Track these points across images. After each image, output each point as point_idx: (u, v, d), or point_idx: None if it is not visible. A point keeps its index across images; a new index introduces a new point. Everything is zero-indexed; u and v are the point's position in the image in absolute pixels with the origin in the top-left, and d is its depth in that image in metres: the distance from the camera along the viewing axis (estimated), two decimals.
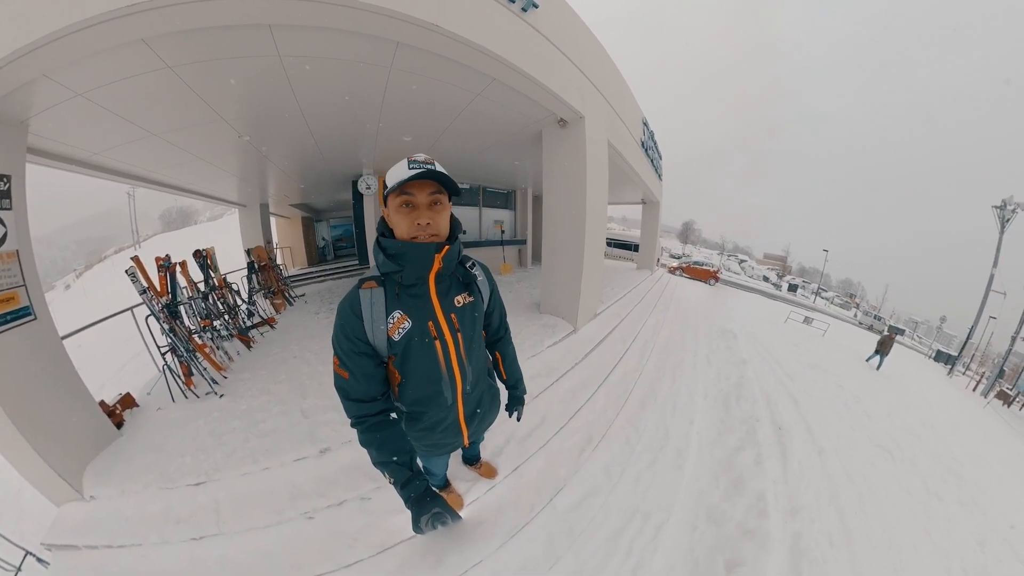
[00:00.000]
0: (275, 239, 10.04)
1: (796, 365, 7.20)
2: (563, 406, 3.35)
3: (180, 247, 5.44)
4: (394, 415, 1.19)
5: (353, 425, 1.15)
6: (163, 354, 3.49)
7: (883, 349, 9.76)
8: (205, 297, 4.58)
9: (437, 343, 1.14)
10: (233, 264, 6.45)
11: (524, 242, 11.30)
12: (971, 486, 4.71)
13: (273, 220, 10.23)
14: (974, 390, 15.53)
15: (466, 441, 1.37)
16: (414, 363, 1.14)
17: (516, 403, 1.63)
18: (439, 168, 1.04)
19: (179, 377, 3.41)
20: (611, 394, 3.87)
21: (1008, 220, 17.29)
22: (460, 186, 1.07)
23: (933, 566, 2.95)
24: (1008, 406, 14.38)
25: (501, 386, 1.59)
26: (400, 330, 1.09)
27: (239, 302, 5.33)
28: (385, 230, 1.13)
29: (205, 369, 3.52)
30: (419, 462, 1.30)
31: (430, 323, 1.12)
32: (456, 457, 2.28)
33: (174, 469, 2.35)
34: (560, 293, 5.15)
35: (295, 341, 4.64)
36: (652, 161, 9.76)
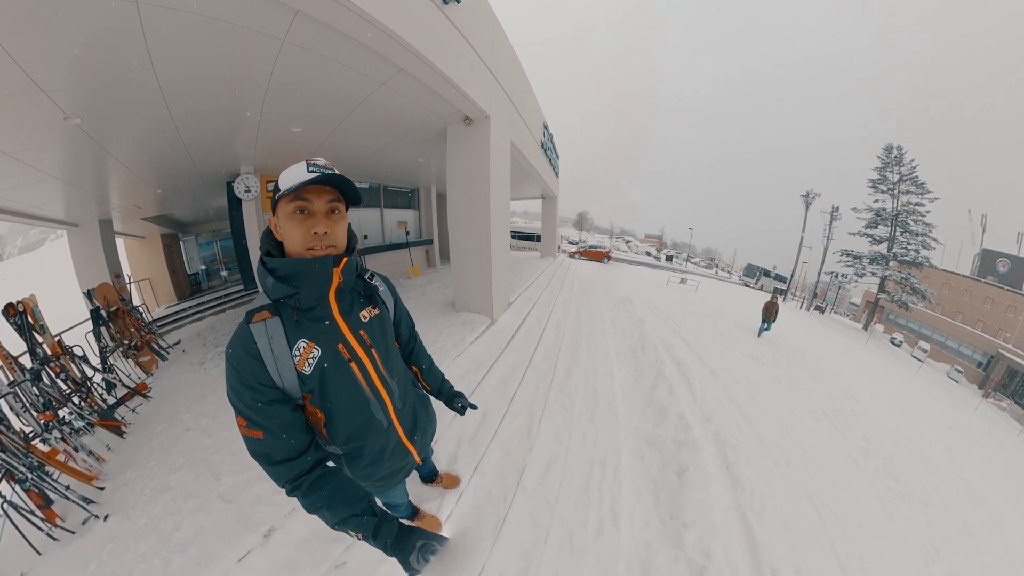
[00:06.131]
0: (127, 270, 7.46)
1: (680, 314, 8.73)
2: (499, 395, 3.48)
3: None
4: (331, 462, 1.05)
5: (290, 493, 0.96)
6: None
7: (768, 316, 8.73)
8: (36, 376, 3.22)
9: (353, 365, 1.02)
10: (69, 316, 4.69)
11: (431, 242, 10.99)
12: (813, 366, 7.05)
13: (121, 243, 7.52)
14: (800, 308, 24.06)
15: (417, 459, 1.28)
16: (336, 393, 1.01)
17: (454, 399, 1.51)
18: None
19: (32, 513, 2.31)
20: (539, 372, 4.14)
21: (810, 204, 28.57)
22: (359, 185, 1.00)
23: (805, 419, 4.40)
24: (822, 313, 24.39)
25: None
26: (310, 361, 0.95)
27: (90, 372, 3.93)
28: (271, 246, 0.98)
29: (68, 487, 2.49)
30: (378, 502, 1.17)
31: (340, 346, 1.00)
32: (416, 480, 2.19)
33: None
34: (473, 289, 5.23)
35: (183, 408, 3.73)
36: (551, 160, 10.49)
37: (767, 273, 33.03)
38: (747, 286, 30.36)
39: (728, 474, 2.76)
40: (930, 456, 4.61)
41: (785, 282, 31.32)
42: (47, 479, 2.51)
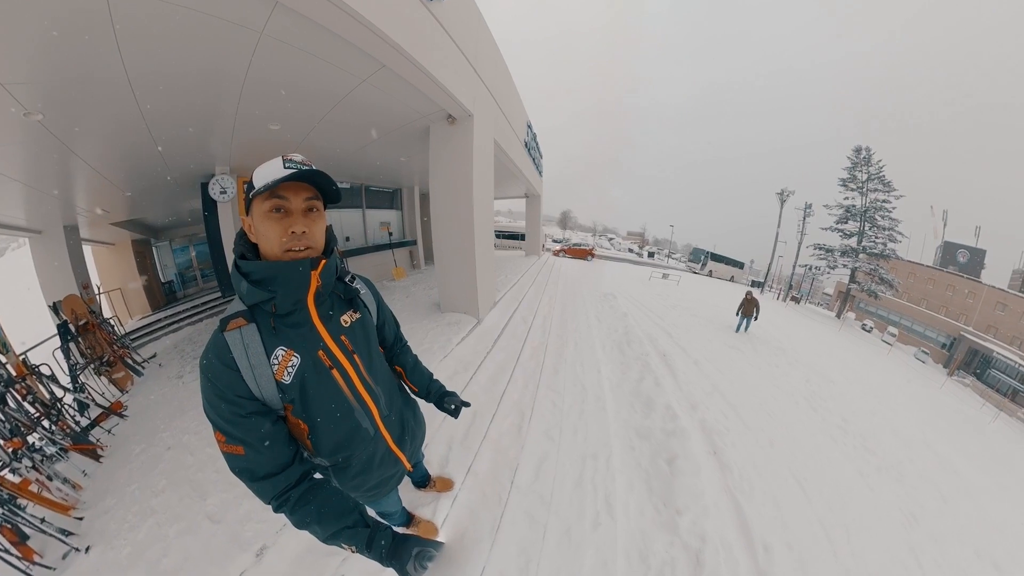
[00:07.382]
0: (96, 280, 6.96)
1: (663, 308, 8.93)
2: (488, 395, 3.46)
3: None
4: (318, 474, 1.01)
5: (277, 509, 0.92)
6: None
7: (746, 312, 8.31)
8: (0, 400, 3.05)
9: (335, 372, 0.98)
10: (34, 332, 4.43)
11: (414, 242, 10.83)
12: (791, 354, 7.30)
13: (88, 250, 7.05)
14: (777, 299, 25.25)
15: (407, 466, 1.24)
16: (318, 402, 0.97)
17: (444, 399, 1.42)
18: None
19: (7, 552, 2.17)
20: (527, 370, 4.13)
21: (784, 201, 29.95)
22: (340, 185, 0.92)
23: (785, 402, 4.61)
24: (798, 303, 26.13)
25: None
26: (289, 369, 0.91)
27: (59, 392, 3.70)
28: (245, 249, 0.92)
29: (43, 520, 2.33)
30: (370, 511, 1.15)
31: (320, 352, 0.96)
32: (409, 486, 2.16)
33: None
34: (458, 289, 5.19)
35: (162, 426, 3.53)
36: (534, 160, 10.51)
37: (713, 256, 34.21)
38: (694, 272, 31.61)
39: (716, 459, 2.85)
40: (903, 431, 4.89)
41: (724, 262, 32.81)
42: (20, 513, 2.34)
